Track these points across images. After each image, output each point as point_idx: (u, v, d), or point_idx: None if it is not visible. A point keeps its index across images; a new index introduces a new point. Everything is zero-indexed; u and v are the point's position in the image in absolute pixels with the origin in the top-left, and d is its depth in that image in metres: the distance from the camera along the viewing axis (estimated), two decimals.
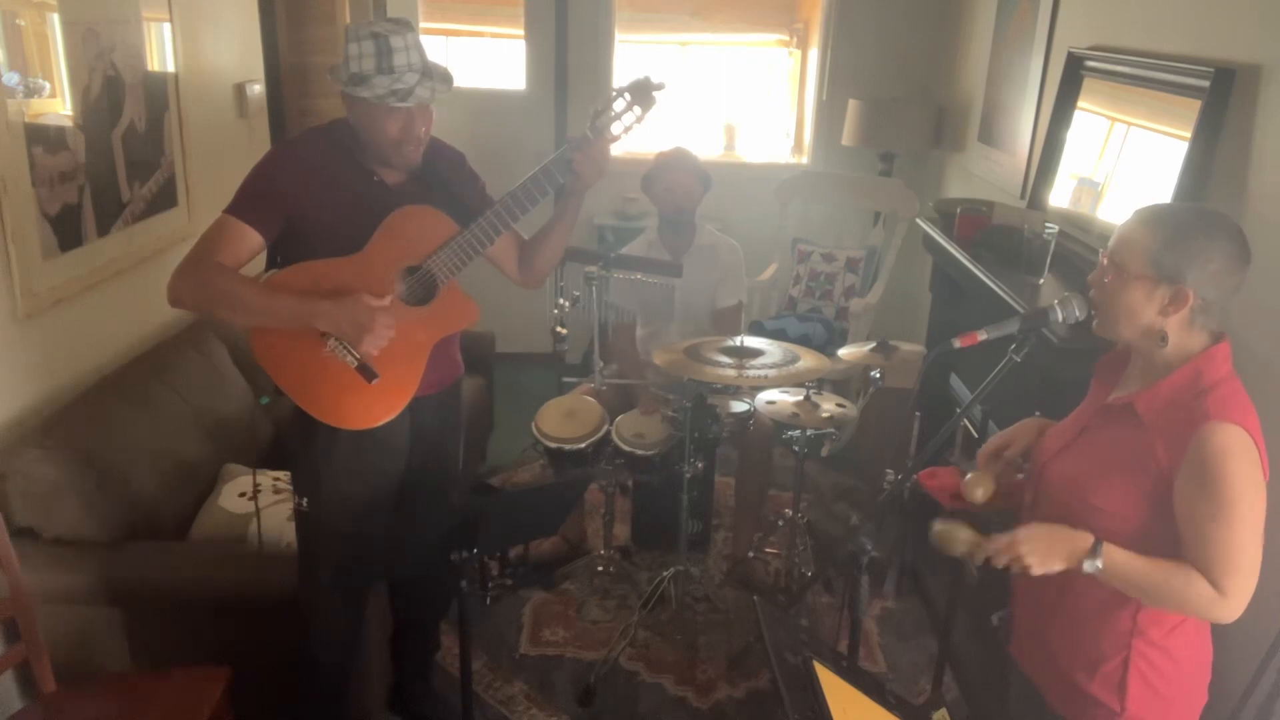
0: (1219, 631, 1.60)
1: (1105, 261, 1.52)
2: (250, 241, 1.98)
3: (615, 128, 2.06)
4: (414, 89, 1.92)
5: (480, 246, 2.05)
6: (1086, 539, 1.46)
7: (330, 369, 1.98)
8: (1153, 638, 1.53)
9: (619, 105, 2.05)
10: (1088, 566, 1.45)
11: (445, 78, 2.00)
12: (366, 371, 1.96)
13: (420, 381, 2.08)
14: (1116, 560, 1.45)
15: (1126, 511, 1.49)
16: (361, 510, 2.14)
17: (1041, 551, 1.47)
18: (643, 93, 2.05)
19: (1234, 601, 1.42)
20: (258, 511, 2.46)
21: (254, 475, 2.53)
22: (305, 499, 2.16)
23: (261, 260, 2.07)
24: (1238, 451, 1.40)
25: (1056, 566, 1.47)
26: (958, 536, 1.56)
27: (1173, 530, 1.46)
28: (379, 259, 2.00)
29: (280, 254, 2.06)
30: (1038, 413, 1.82)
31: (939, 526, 1.59)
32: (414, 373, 2.06)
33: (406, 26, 1.96)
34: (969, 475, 1.71)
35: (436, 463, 2.31)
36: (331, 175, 2.02)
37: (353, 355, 1.97)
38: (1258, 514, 1.42)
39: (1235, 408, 1.43)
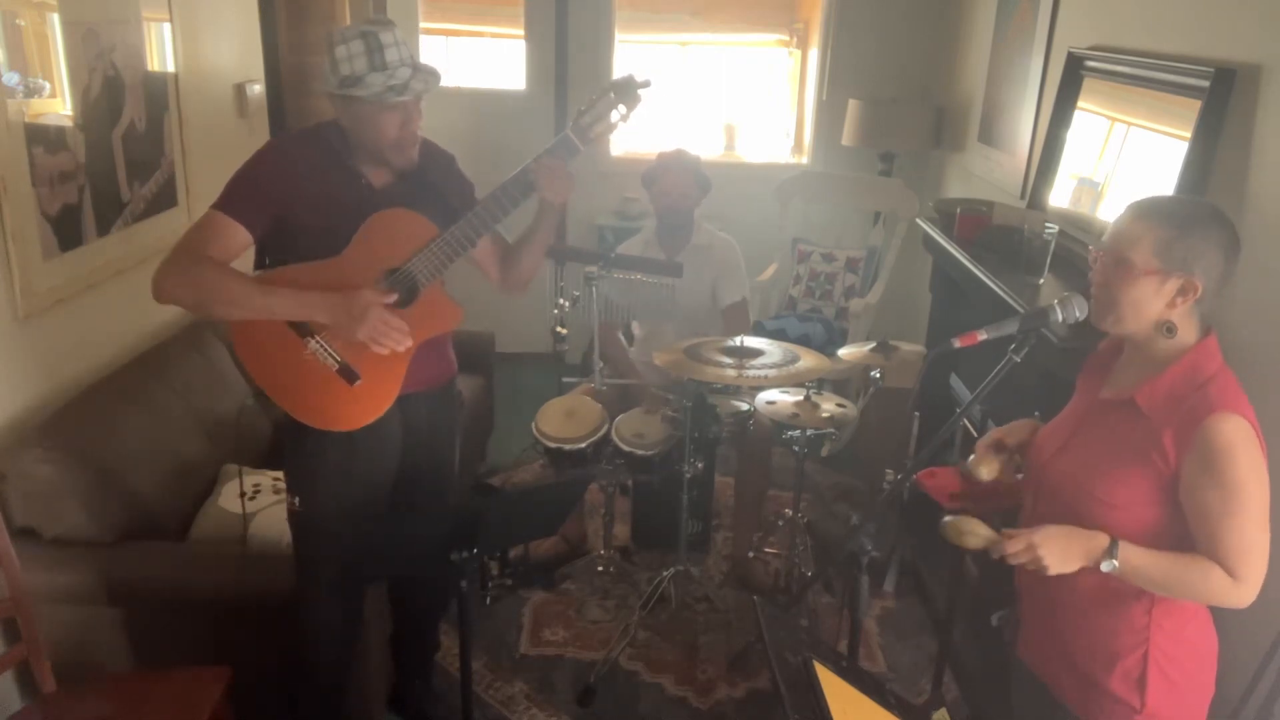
0: (1220, 631, 1.60)
1: (1105, 258, 1.52)
2: (238, 238, 1.98)
3: (600, 126, 2.06)
4: (409, 82, 1.93)
5: (460, 250, 2.04)
6: (1103, 539, 1.47)
7: (312, 371, 1.98)
8: (1168, 629, 1.53)
9: (603, 104, 2.05)
10: (1105, 566, 1.45)
11: (433, 71, 2.01)
12: (348, 373, 1.97)
13: (405, 381, 2.08)
14: (1132, 558, 1.46)
15: (1134, 505, 1.50)
16: (354, 509, 2.15)
17: (1059, 552, 1.47)
18: (627, 90, 2.05)
19: (1249, 586, 1.44)
20: (244, 513, 2.45)
21: (240, 477, 2.51)
22: (298, 498, 2.16)
23: (248, 262, 2.07)
24: (1242, 440, 1.42)
25: (1073, 567, 1.48)
26: (972, 531, 1.54)
27: (1181, 519, 1.47)
28: (358, 262, 2.00)
29: (267, 255, 2.06)
30: (1037, 413, 1.82)
31: (951, 519, 1.57)
32: (395, 375, 2.06)
33: (390, 24, 1.96)
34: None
35: (431, 461, 2.31)
36: (318, 176, 2.02)
37: (334, 357, 1.98)
38: (1264, 498, 1.45)
39: (1236, 398, 1.46)
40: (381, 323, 1.93)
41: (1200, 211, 1.50)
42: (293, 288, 1.95)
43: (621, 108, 2.05)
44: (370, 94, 1.91)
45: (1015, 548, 1.48)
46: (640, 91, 2.06)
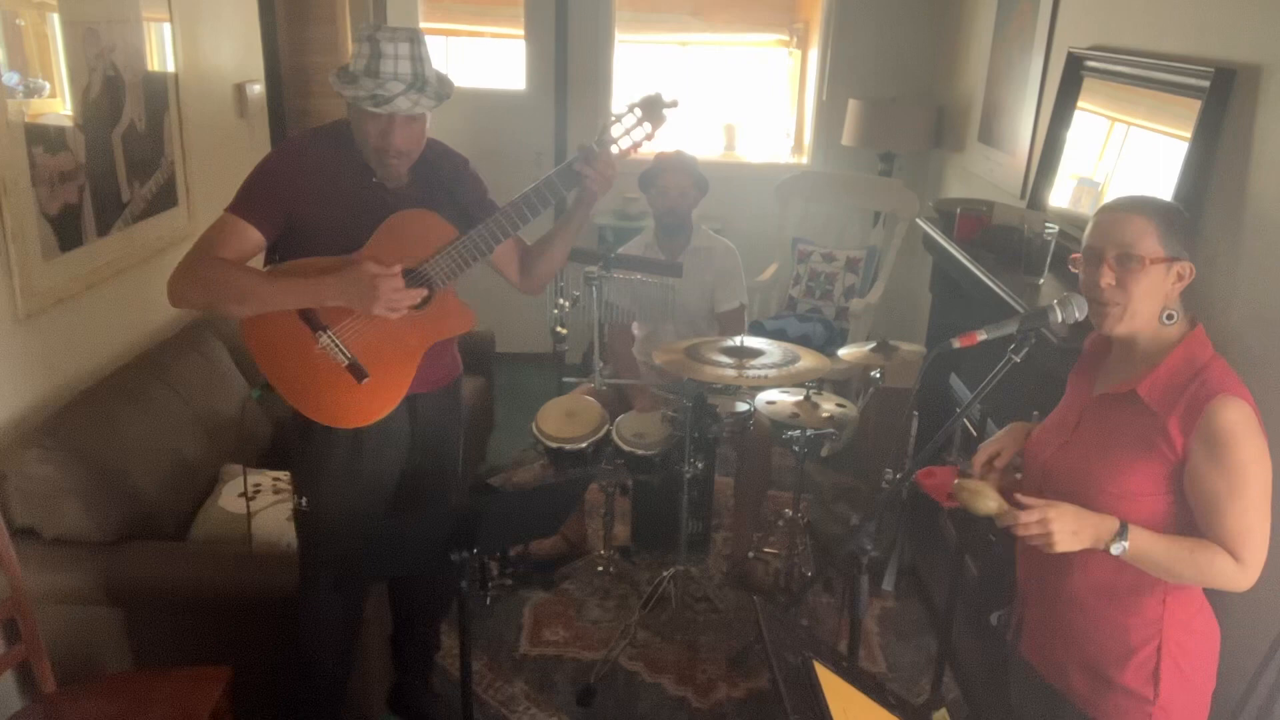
0: (1220, 630, 1.61)
1: (1109, 259, 1.52)
2: (251, 240, 1.98)
3: (623, 141, 2.06)
4: (394, 98, 1.90)
5: (479, 254, 2.04)
6: (1113, 522, 1.48)
7: (322, 367, 1.98)
8: (1180, 619, 1.55)
9: (629, 120, 2.05)
10: (1114, 549, 1.47)
11: (437, 94, 1.98)
12: (357, 370, 1.97)
13: (414, 381, 2.08)
14: (1141, 541, 1.47)
15: (1143, 494, 1.52)
16: (361, 509, 2.15)
17: (1070, 530, 1.47)
18: (654, 108, 2.05)
19: (1251, 569, 1.46)
20: (249, 513, 2.45)
21: (244, 475, 2.52)
22: (305, 498, 2.16)
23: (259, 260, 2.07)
24: (1245, 422, 1.45)
25: (1080, 546, 1.48)
26: (986, 494, 1.52)
27: (1188, 507, 1.49)
28: (375, 259, 2.00)
29: (279, 252, 2.06)
30: (1036, 413, 1.82)
31: (964, 480, 1.56)
32: (405, 374, 2.07)
33: (410, 37, 1.94)
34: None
35: (436, 461, 2.31)
36: (333, 175, 2.02)
37: (344, 354, 1.98)
38: (1266, 479, 1.47)
39: (1234, 381, 1.49)
40: (393, 291, 1.91)
41: (1169, 203, 1.60)
42: (301, 276, 1.95)
43: (647, 125, 2.05)
44: (353, 96, 1.92)
45: (1029, 518, 1.47)
46: (666, 111, 2.05)
